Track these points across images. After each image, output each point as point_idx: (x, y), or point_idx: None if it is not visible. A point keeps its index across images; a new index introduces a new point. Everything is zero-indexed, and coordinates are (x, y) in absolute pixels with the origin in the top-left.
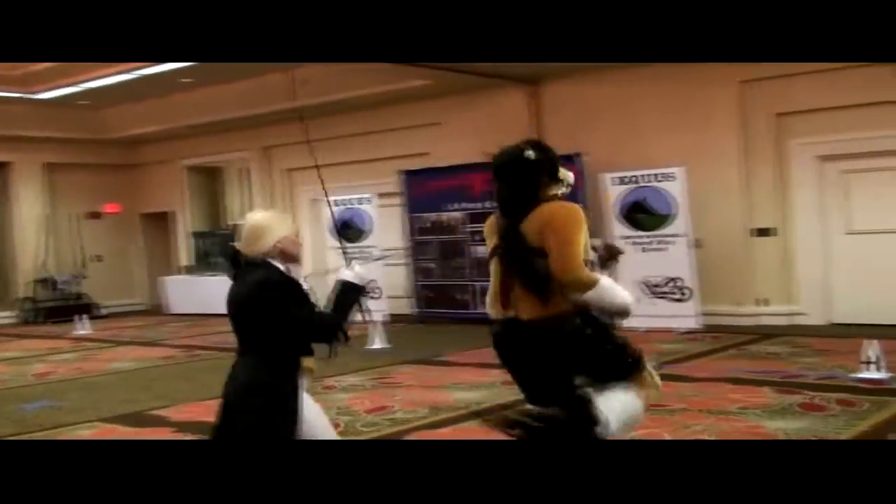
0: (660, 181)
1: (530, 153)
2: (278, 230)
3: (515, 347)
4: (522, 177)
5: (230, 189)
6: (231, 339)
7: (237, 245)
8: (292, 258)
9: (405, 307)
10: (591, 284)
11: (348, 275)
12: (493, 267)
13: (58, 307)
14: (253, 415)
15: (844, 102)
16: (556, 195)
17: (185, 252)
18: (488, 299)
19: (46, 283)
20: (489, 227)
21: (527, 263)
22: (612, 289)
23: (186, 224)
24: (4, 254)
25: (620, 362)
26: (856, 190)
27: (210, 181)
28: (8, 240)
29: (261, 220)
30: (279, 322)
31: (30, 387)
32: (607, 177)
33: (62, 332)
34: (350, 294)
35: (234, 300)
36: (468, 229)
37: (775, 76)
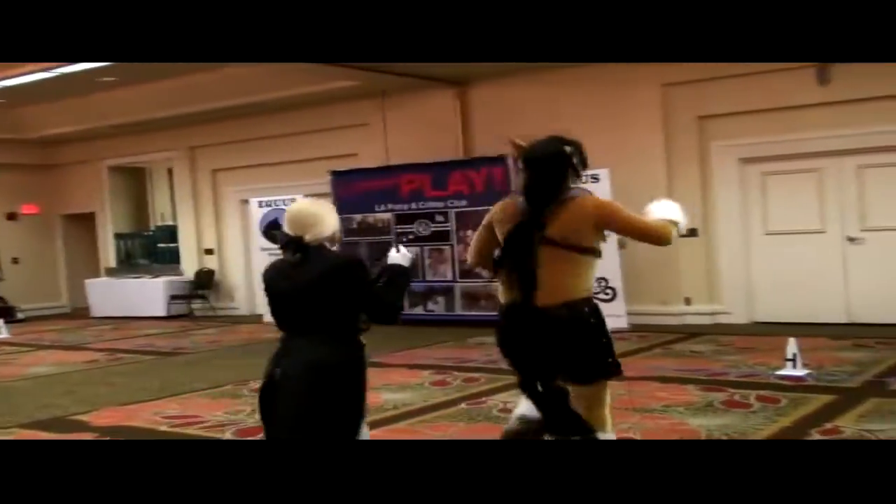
0: (585, 182)
1: (568, 148)
2: (333, 217)
3: (530, 330)
4: (557, 171)
5: (155, 190)
6: (157, 343)
7: (290, 230)
8: (337, 244)
9: None
10: (670, 233)
11: (397, 258)
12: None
13: None
14: (334, 392)
15: (764, 106)
16: (570, 188)
17: (108, 254)
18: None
19: None
20: (503, 212)
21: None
22: (677, 210)
23: (110, 225)
24: None
25: (607, 359)
26: (775, 191)
27: (134, 182)
28: None
29: (318, 208)
30: (361, 301)
31: None
32: None
33: None
34: (402, 276)
35: (306, 281)
36: (397, 230)
37: (697, 80)
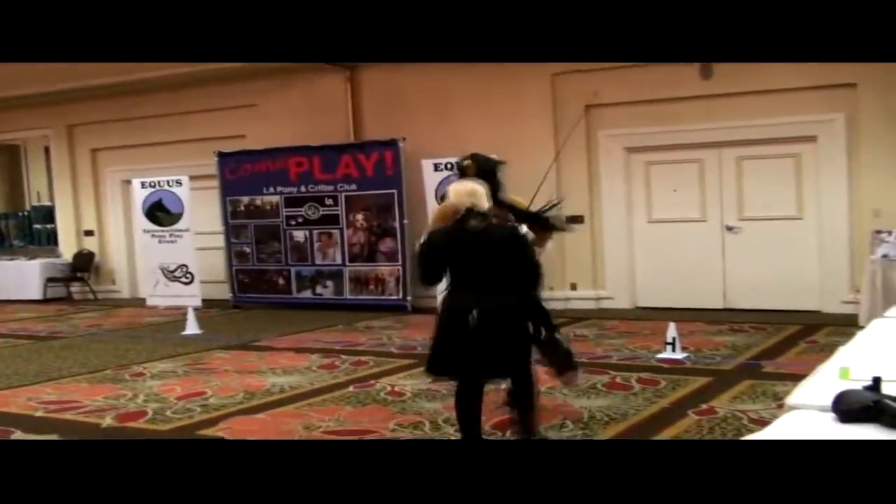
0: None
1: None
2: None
3: None
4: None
5: (30, 168)
6: (33, 327)
7: (464, 203)
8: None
9: (222, 292)
10: None
11: (525, 232)
12: None
13: None
14: (519, 324)
15: (650, 97)
16: None
17: None
18: None
19: None
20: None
21: None
22: None
23: None
24: None
25: None
26: (657, 181)
27: (8, 160)
28: None
29: (479, 186)
30: (524, 264)
31: None
32: (425, 163)
33: None
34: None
35: (492, 244)
36: (285, 213)
37: (584, 70)
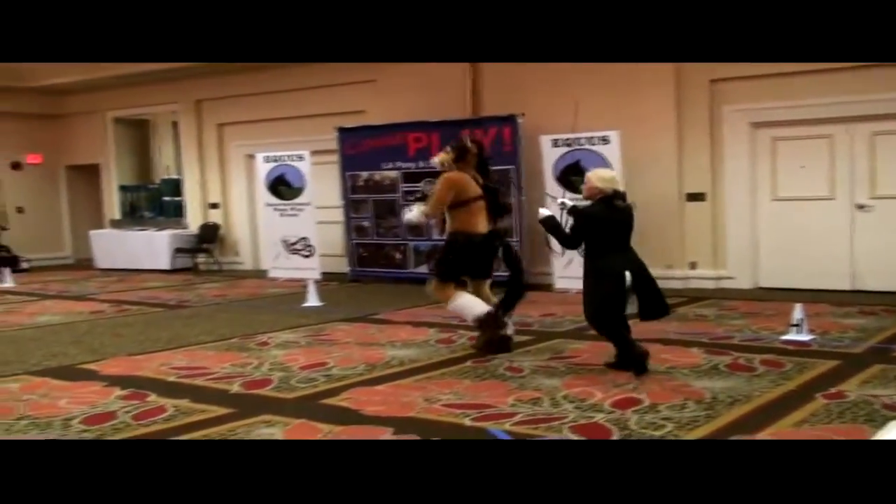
0: (595, 144)
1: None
2: None
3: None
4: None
5: (160, 143)
6: (162, 296)
7: (607, 187)
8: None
9: (339, 266)
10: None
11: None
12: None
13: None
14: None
15: (777, 70)
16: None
17: (113, 206)
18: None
19: None
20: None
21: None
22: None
23: (114, 177)
24: None
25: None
26: (784, 157)
27: (139, 134)
28: None
29: (613, 172)
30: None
31: None
32: (544, 139)
33: None
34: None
35: (627, 218)
36: (403, 188)
37: None
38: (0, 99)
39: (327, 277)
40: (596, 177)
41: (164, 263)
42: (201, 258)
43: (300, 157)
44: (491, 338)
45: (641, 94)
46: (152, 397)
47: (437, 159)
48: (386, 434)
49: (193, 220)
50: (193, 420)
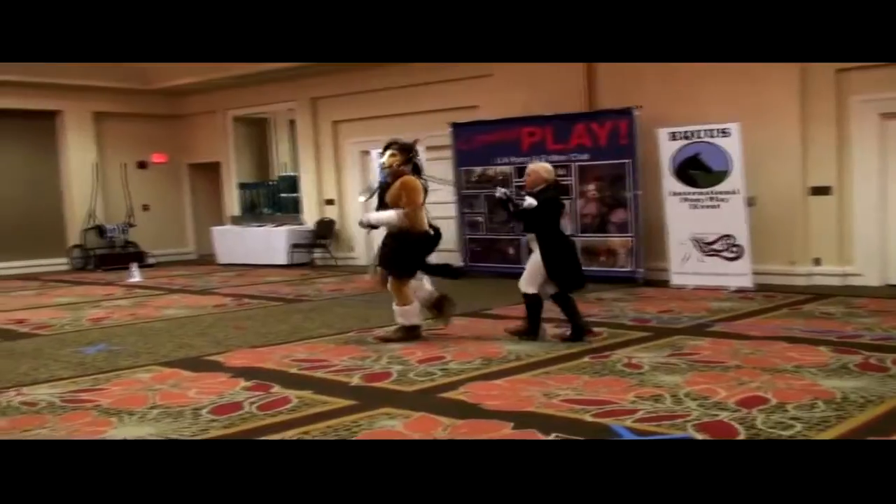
0: (714, 137)
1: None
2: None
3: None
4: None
5: (277, 140)
6: (281, 290)
7: (553, 176)
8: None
9: (452, 261)
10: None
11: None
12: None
13: (107, 255)
14: None
15: None
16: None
17: (233, 202)
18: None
19: (96, 231)
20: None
21: None
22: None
23: (234, 175)
24: (56, 201)
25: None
26: None
27: (257, 132)
28: (59, 188)
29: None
30: None
31: (86, 331)
32: (661, 132)
33: (113, 279)
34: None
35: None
36: (516, 183)
37: None
38: (128, 101)
39: None
40: (543, 169)
41: (282, 259)
42: (317, 253)
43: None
44: (407, 336)
45: (763, 84)
46: (276, 388)
47: (386, 161)
48: (506, 429)
49: (310, 216)
50: (317, 411)
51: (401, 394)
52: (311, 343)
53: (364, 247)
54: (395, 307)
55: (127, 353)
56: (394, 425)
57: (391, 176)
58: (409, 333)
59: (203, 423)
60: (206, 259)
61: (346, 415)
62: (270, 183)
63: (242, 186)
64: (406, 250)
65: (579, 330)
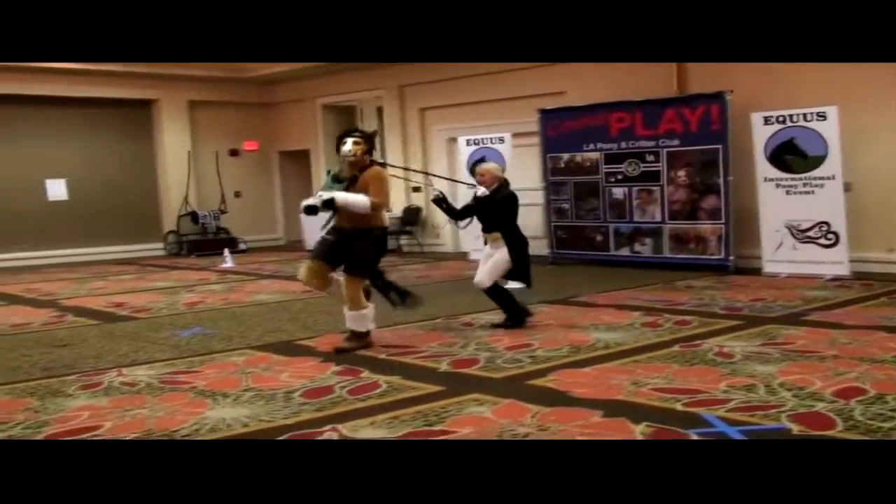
0: (810, 121)
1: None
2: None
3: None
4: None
5: (365, 127)
6: None
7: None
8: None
9: (539, 248)
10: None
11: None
12: None
13: (200, 241)
14: None
15: None
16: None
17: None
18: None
19: (190, 217)
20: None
21: None
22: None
23: (323, 162)
24: (152, 188)
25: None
26: None
27: (345, 120)
28: (155, 175)
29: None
30: None
31: (181, 315)
32: (755, 116)
33: (206, 264)
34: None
35: None
36: (605, 170)
37: None
38: (221, 90)
39: None
40: (495, 168)
41: None
42: (404, 240)
43: (501, 140)
44: (361, 343)
45: (861, 67)
46: (365, 373)
47: (350, 149)
48: (595, 416)
49: (397, 203)
50: (406, 396)
51: (489, 380)
52: (398, 329)
53: (450, 234)
54: (349, 312)
55: (220, 336)
56: (482, 411)
57: (356, 166)
58: (363, 340)
59: (295, 405)
60: (294, 245)
61: (434, 400)
62: None
63: (331, 173)
64: (372, 249)
65: (519, 315)
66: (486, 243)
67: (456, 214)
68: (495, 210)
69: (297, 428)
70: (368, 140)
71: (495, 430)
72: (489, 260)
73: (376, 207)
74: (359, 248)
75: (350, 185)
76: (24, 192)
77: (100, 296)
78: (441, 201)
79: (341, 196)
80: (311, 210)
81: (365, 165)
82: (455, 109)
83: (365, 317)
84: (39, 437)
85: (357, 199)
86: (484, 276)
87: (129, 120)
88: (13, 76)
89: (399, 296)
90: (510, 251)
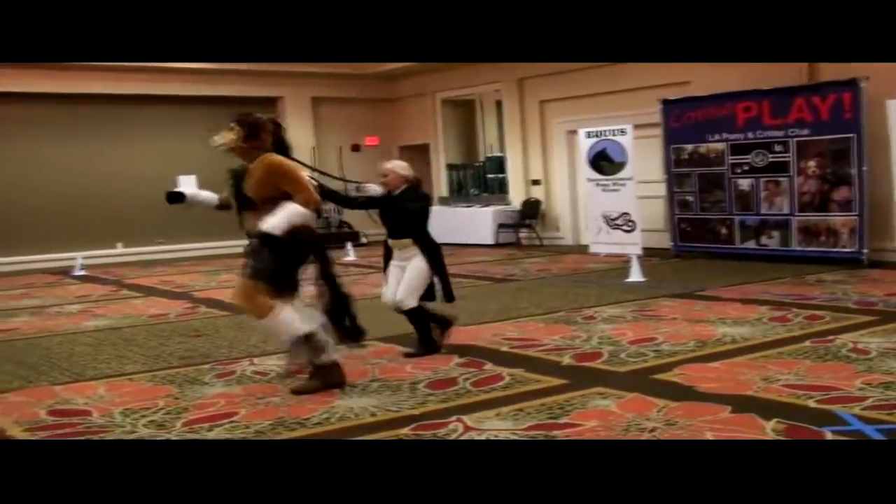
0: None
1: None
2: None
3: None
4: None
5: (484, 121)
6: (489, 269)
7: (412, 173)
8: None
9: (661, 241)
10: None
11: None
12: None
13: (324, 235)
14: None
15: None
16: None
17: (441, 183)
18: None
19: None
20: None
21: None
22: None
23: (442, 156)
24: None
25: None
26: None
27: (464, 114)
28: None
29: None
30: None
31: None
32: (891, 104)
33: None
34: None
35: None
36: (730, 161)
37: None
38: (344, 86)
39: (649, 253)
40: (399, 167)
41: (488, 238)
42: (523, 233)
43: (622, 132)
44: (330, 381)
45: None
46: (489, 366)
47: (222, 139)
48: (724, 412)
49: (516, 196)
50: (530, 389)
51: (613, 374)
52: (520, 322)
53: (570, 227)
54: (262, 324)
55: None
56: (607, 405)
57: (247, 157)
58: (330, 376)
59: (420, 396)
60: None
61: (558, 393)
62: (477, 164)
63: (450, 167)
64: (274, 252)
65: (431, 343)
66: (388, 254)
67: (349, 202)
68: (406, 214)
69: (423, 418)
70: (247, 125)
71: (621, 424)
72: (403, 273)
73: (306, 205)
74: (256, 252)
75: (239, 180)
76: (158, 188)
77: (228, 288)
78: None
79: (275, 222)
80: (175, 197)
81: (244, 154)
82: (575, 101)
83: (288, 321)
84: (179, 423)
85: (294, 211)
86: (405, 294)
87: None
88: (145, 76)
89: (350, 332)
90: (428, 259)
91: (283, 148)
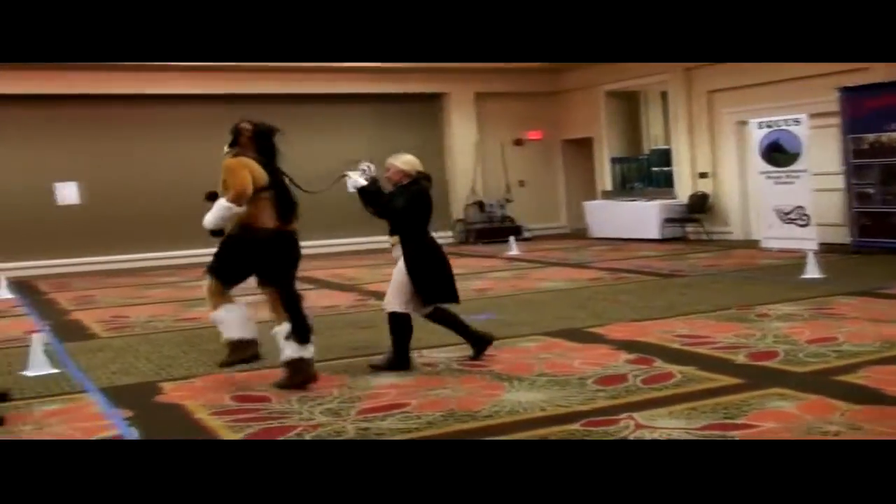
0: None
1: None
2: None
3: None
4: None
5: (649, 114)
6: (655, 264)
7: (417, 168)
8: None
9: (838, 236)
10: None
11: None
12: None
13: (486, 229)
14: None
15: None
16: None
17: (605, 177)
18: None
19: (476, 206)
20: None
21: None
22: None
23: (606, 149)
24: (440, 178)
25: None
26: None
27: (629, 106)
28: (443, 166)
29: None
30: None
31: (473, 300)
32: None
33: (492, 252)
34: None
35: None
36: None
37: None
38: (507, 80)
39: (825, 248)
40: (401, 161)
41: (654, 233)
42: (690, 228)
43: (796, 122)
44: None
45: None
46: (658, 363)
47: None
48: None
49: (682, 189)
50: (702, 388)
51: (791, 374)
52: (689, 318)
53: (740, 221)
54: (210, 318)
55: (510, 322)
56: (786, 406)
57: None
58: (243, 351)
59: (589, 392)
60: (578, 233)
61: (734, 393)
62: (642, 157)
63: (614, 161)
64: (227, 248)
65: (481, 343)
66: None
67: (381, 202)
68: (392, 211)
69: (593, 414)
70: (231, 133)
71: (802, 427)
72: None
73: (235, 201)
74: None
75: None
76: (326, 182)
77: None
78: (371, 184)
79: (206, 220)
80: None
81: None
82: (745, 91)
83: (226, 321)
84: (353, 411)
85: (216, 210)
86: (388, 296)
87: (418, 113)
88: (316, 76)
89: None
90: (407, 263)
91: (268, 152)
